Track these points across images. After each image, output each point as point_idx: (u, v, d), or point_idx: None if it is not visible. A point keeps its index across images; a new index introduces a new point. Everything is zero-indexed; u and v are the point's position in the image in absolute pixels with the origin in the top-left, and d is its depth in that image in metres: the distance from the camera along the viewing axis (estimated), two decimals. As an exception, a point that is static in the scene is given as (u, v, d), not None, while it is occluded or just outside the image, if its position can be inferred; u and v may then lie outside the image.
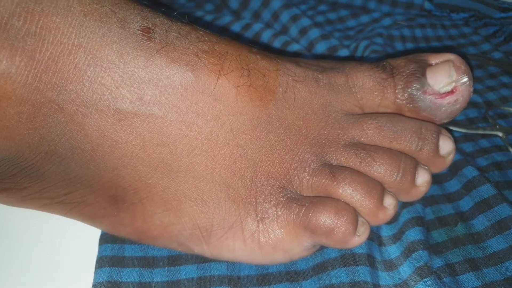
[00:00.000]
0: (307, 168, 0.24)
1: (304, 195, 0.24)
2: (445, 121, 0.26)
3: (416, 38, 0.43)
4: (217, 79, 0.22)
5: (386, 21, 0.44)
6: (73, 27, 0.20)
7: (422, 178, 0.24)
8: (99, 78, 0.21)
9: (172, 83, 0.22)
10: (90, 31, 0.21)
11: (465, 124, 0.35)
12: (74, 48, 0.20)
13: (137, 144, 0.22)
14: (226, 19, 0.41)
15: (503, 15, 0.44)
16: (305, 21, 0.40)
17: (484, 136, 0.34)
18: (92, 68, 0.21)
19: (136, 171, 0.22)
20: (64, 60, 0.20)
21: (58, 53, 0.20)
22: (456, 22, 0.45)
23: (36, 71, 0.20)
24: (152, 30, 0.22)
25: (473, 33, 0.44)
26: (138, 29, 0.21)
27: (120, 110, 0.21)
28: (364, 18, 0.45)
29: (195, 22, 0.39)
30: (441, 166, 0.25)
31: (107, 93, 0.21)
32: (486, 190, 0.28)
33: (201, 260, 0.25)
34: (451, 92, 0.25)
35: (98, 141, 0.21)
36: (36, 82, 0.20)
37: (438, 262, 0.25)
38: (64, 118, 0.21)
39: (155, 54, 0.21)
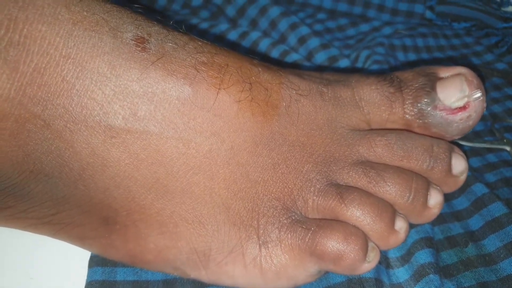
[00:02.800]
0: (312, 188, 0.22)
1: (310, 217, 0.22)
2: (457, 137, 0.25)
3: (418, 47, 0.42)
4: (217, 94, 0.21)
5: (387, 30, 0.43)
6: (61, 37, 0.19)
7: (435, 200, 0.23)
8: (89, 92, 0.19)
9: (168, 98, 0.20)
10: (79, 41, 0.19)
11: (471, 137, 0.34)
12: (62, 59, 0.19)
13: (130, 163, 0.20)
14: (222, 27, 0.40)
15: (505, 25, 0.43)
16: (304, 30, 0.39)
17: (491, 150, 0.33)
18: (81, 81, 0.19)
19: (129, 191, 0.21)
20: (51, 72, 0.19)
21: (44, 65, 0.18)
22: (457, 32, 0.44)
23: (19, 84, 0.18)
24: (147, 40, 0.20)
25: (476, 43, 0.43)
26: (131, 39, 0.20)
27: (112, 126, 0.20)
28: (364, 27, 0.44)
29: (190, 30, 0.38)
30: (454, 186, 0.24)
31: (98, 108, 0.19)
32: (497, 209, 0.27)
33: (198, 285, 0.23)
34: (464, 108, 0.24)
35: (88, 159, 0.20)
36: (19, 96, 0.18)
37: (449, 286, 0.24)
38: (51, 134, 0.19)
39: (150, 66, 0.20)
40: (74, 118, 0.19)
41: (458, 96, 0.24)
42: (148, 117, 0.20)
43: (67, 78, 0.19)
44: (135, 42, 0.20)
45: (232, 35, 0.39)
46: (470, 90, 0.23)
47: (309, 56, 0.38)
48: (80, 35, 0.19)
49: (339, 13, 0.45)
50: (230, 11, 0.42)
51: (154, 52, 0.20)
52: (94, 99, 0.19)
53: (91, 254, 0.24)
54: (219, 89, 0.21)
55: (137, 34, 0.20)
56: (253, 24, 0.41)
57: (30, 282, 0.24)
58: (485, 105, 0.24)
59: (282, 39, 0.39)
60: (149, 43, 0.20)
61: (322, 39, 0.39)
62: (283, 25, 0.40)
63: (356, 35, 0.43)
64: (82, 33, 0.19)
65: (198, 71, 0.21)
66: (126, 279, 0.24)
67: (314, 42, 0.38)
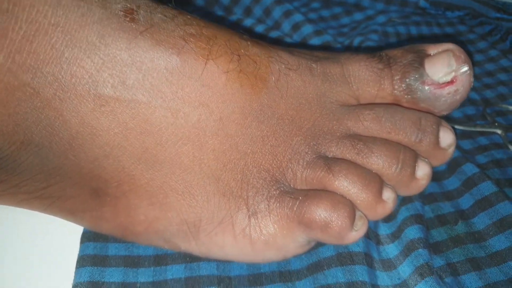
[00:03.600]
0: (301, 160, 0.22)
1: (298, 188, 0.22)
2: (445, 113, 0.25)
3: (411, 35, 0.42)
4: (205, 64, 0.21)
5: (380, 19, 0.43)
6: (50, 5, 0.19)
7: (423, 171, 0.23)
8: (78, 60, 0.19)
9: (156, 67, 0.20)
10: (68, 10, 0.19)
11: (463, 121, 0.34)
12: (51, 27, 0.19)
13: (119, 132, 0.20)
14: (216, 15, 0.40)
15: (498, 15, 0.43)
16: (297, 17, 0.39)
17: (482, 133, 0.33)
18: (70, 49, 0.19)
19: (118, 161, 0.21)
20: (40, 40, 0.19)
21: (33, 32, 0.19)
22: (451, 20, 0.45)
23: (8, 50, 0.19)
24: (136, 11, 0.20)
25: (469, 31, 0.43)
26: (120, 10, 0.20)
27: (101, 95, 0.20)
28: (358, 16, 0.44)
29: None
30: (442, 159, 0.24)
31: (87, 76, 0.19)
32: (487, 188, 0.27)
33: (189, 259, 0.24)
34: (451, 82, 0.24)
35: (77, 128, 0.20)
36: (8, 63, 0.19)
37: (438, 261, 0.24)
38: (41, 103, 0.19)
39: (139, 36, 0.20)
40: (63, 86, 0.19)
41: (445, 71, 0.24)
42: (136, 86, 0.20)
43: (56, 46, 0.19)
44: (124, 13, 0.20)
45: (226, 23, 0.39)
46: (457, 64, 0.24)
47: (303, 42, 0.38)
48: (69, 4, 0.19)
49: (333, 2, 0.45)
50: (225, -1, 0.42)
51: (143, 22, 0.20)
52: (83, 67, 0.19)
53: (83, 229, 0.25)
54: (207, 59, 0.21)
55: (126, 5, 0.20)
56: (248, 11, 0.41)
57: (24, 257, 0.24)
58: (472, 79, 0.24)
59: (276, 26, 0.40)
60: (138, 14, 0.20)
61: (316, 26, 0.39)
62: (277, 12, 0.40)
63: (350, 24, 0.43)
64: (71, 2, 0.19)
65: (186, 42, 0.21)
66: (117, 254, 0.24)
67: (307, 28, 0.38)
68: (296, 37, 0.38)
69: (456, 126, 0.33)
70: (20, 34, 0.19)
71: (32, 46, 0.19)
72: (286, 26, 0.39)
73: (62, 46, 0.19)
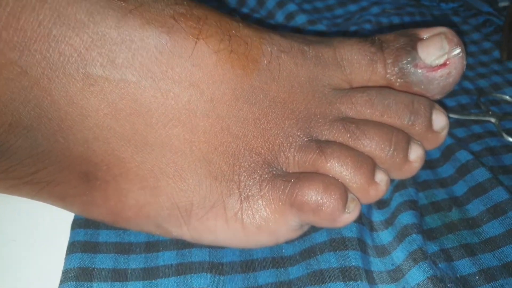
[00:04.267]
0: (293, 144, 0.22)
1: (291, 171, 0.22)
2: (438, 96, 0.25)
3: (405, 25, 0.42)
4: (195, 43, 0.21)
5: (374, 10, 0.43)
6: None
7: (415, 153, 0.23)
8: (67, 38, 0.19)
9: (146, 46, 0.20)
10: None
11: (457, 110, 0.34)
12: (38, 3, 0.19)
13: (108, 113, 0.20)
14: (211, 5, 0.40)
15: (490, 9, 0.43)
16: (291, 7, 0.39)
17: (476, 122, 0.33)
18: (58, 26, 0.19)
19: (108, 143, 0.21)
20: (27, 17, 0.18)
21: (20, 9, 0.18)
22: (445, 12, 0.45)
23: None
24: None
25: (463, 22, 0.43)
26: None
27: (90, 74, 0.19)
28: (352, 7, 0.44)
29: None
30: (435, 142, 0.24)
31: (76, 54, 0.19)
32: (481, 174, 0.27)
33: (181, 246, 0.24)
34: (444, 64, 0.24)
35: (66, 108, 0.20)
36: None
37: (432, 247, 0.24)
38: (29, 82, 0.19)
39: (128, 14, 0.20)
40: (51, 65, 0.19)
41: (438, 54, 0.24)
42: (126, 65, 0.20)
43: (44, 23, 0.19)
44: None
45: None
46: (450, 47, 0.23)
47: (297, 30, 0.38)
48: None
49: (327, -7, 0.45)
50: (218, -10, 0.42)
51: (132, 1, 0.20)
52: (72, 45, 0.19)
53: (74, 216, 0.24)
54: (197, 39, 0.21)
55: None
56: (241, 2, 0.41)
57: (12, 244, 0.23)
58: (465, 62, 0.24)
59: (270, 16, 0.39)
60: None
61: (310, 16, 0.39)
62: (270, 2, 0.40)
63: (344, 15, 0.43)
64: None
65: (176, 21, 0.21)
66: (108, 241, 0.24)
67: (301, 18, 0.38)
68: (290, 27, 0.38)
69: (451, 115, 0.33)
70: (7, 10, 0.18)
71: (19, 23, 0.18)
72: (279, 16, 0.39)
73: (50, 23, 0.19)
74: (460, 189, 0.27)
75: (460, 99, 0.35)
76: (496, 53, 0.40)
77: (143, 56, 0.20)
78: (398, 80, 0.24)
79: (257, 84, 0.22)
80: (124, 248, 0.23)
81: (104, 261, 0.23)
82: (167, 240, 0.24)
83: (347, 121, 0.23)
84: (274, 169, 0.22)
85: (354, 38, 0.25)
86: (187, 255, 0.23)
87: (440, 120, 0.24)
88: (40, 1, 0.19)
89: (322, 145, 0.22)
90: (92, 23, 0.19)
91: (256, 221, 0.21)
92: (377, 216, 0.26)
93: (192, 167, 0.21)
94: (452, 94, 0.34)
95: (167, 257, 0.23)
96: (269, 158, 0.22)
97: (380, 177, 0.22)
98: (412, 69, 0.24)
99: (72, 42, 0.19)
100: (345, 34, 0.38)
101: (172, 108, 0.21)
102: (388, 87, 0.25)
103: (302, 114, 0.23)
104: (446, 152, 0.29)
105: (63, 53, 0.19)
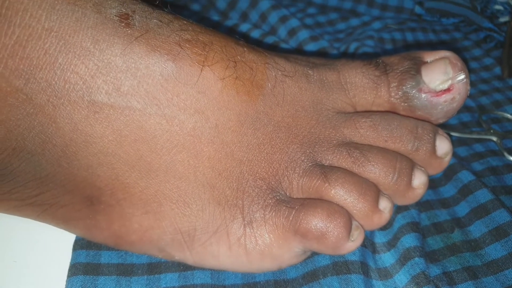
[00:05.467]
0: (297, 169, 0.22)
1: (294, 197, 0.22)
2: (441, 121, 0.25)
3: (407, 41, 0.42)
4: (201, 70, 0.21)
5: (376, 25, 0.43)
6: (43, 10, 0.19)
7: (419, 180, 0.23)
8: (72, 66, 0.19)
9: (151, 73, 0.20)
10: (62, 15, 0.19)
11: (459, 128, 0.34)
12: (44, 32, 0.19)
13: (113, 140, 0.20)
14: (213, 20, 0.40)
15: (490, 25, 0.43)
16: (294, 22, 0.39)
17: (478, 140, 0.33)
18: (64, 55, 0.19)
19: (112, 169, 0.20)
20: (33, 45, 0.18)
21: (26, 37, 0.18)
22: (446, 27, 0.45)
23: (1, 55, 0.18)
24: (131, 16, 0.20)
25: (464, 38, 0.43)
26: (115, 15, 0.20)
27: (95, 101, 0.19)
28: (354, 21, 0.44)
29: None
30: (438, 168, 0.24)
31: (81, 82, 0.19)
32: (483, 195, 0.27)
33: (183, 268, 0.23)
34: (448, 90, 0.24)
35: (71, 135, 0.20)
36: (1, 68, 0.18)
37: (435, 270, 0.24)
38: (33, 109, 0.19)
39: (134, 42, 0.20)
40: (56, 92, 0.19)
41: (442, 79, 0.24)
42: (131, 93, 0.20)
43: (50, 52, 0.19)
44: (119, 18, 0.20)
45: (223, 28, 0.39)
46: (454, 72, 0.24)
47: (299, 47, 0.38)
48: (63, 9, 0.19)
49: (329, 7, 0.45)
50: (221, 4, 0.42)
51: (138, 28, 0.20)
52: (77, 73, 0.19)
53: (76, 237, 0.24)
54: (203, 66, 0.21)
55: (121, 10, 0.20)
56: (244, 17, 0.41)
57: (14, 265, 0.23)
58: (469, 87, 0.24)
59: (273, 32, 0.39)
60: (133, 19, 0.20)
61: (312, 31, 0.39)
62: (273, 17, 0.40)
63: (346, 29, 0.43)
64: (65, 7, 0.19)
65: (182, 48, 0.21)
66: (110, 262, 0.23)
67: (304, 34, 0.38)
68: (292, 43, 0.38)
69: (452, 133, 0.33)
70: (13, 39, 0.18)
71: (25, 51, 0.18)
72: (282, 32, 0.39)
73: (55, 51, 0.19)
74: (462, 210, 0.27)
75: (461, 117, 0.35)
76: (497, 70, 0.40)
77: (149, 84, 0.20)
78: (402, 104, 0.24)
79: (262, 109, 0.22)
80: (126, 270, 0.23)
81: (106, 284, 0.22)
82: (169, 262, 0.24)
83: (351, 146, 0.23)
84: (278, 194, 0.22)
85: (358, 61, 0.25)
86: (189, 277, 0.23)
87: (443, 146, 0.24)
88: (46, 30, 0.19)
89: (326, 171, 0.22)
90: (97, 51, 0.19)
91: (259, 247, 0.21)
92: (380, 238, 0.26)
93: (196, 192, 0.21)
94: (453, 111, 0.34)
95: (169, 279, 0.23)
96: (273, 183, 0.22)
97: (384, 205, 0.22)
98: (416, 94, 0.24)
99: (77, 70, 0.19)
100: (347, 51, 0.38)
101: (177, 134, 0.21)
102: (392, 111, 0.25)
103: (306, 139, 0.23)
104: (448, 172, 0.29)
105: (68, 81, 0.19)
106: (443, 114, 0.24)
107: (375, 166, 0.22)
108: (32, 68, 0.19)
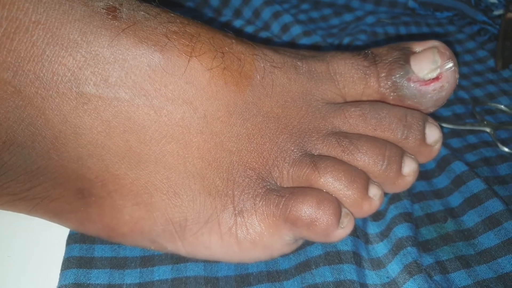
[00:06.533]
0: (287, 158, 0.22)
1: (285, 186, 0.22)
2: (431, 110, 0.25)
3: (400, 35, 0.42)
4: (188, 61, 0.21)
5: (370, 19, 0.43)
6: (30, 2, 0.19)
7: (409, 167, 0.23)
8: (60, 58, 0.19)
9: (139, 64, 0.20)
10: (49, 7, 0.19)
11: (452, 120, 0.34)
12: (32, 24, 0.19)
13: (102, 131, 0.20)
14: (206, 16, 0.40)
15: (484, 18, 0.43)
16: (286, 18, 0.39)
17: (472, 132, 0.33)
18: (51, 47, 0.19)
19: (102, 160, 0.21)
20: (20, 38, 0.19)
21: (13, 30, 0.18)
22: (440, 21, 0.45)
23: None
24: (118, 9, 0.20)
25: (458, 31, 0.43)
26: (103, 8, 0.20)
27: (83, 93, 0.20)
28: (347, 17, 0.44)
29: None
30: (428, 156, 0.24)
31: (69, 74, 0.19)
32: (476, 185, 0.27)
33: (176, 260, 0.23)
34: (437, 78, 0.24)
35: (60, 127, 0.20)
36: None
37: (427, 259, 0.24)
38: (22, 101, 0.19)
39: (121, 33, 0.20)
40: (45, 84, 0.19)
41: (430, 68, 0.24)
42: (119, 84, 0.20)
43: (37, 44, 0.19)
44: (106, 11, 0.20)
45: (216, 25, 0.39)
46: (442, 61, 0.24)
47: (292, 43, 0.38)
48: (50, 1, 0.19)
49: (323, 3, 0.45)
50: (214, 1, 0.42)
51: (125, 20, 0.20)
52: (65, 65, 0.19)
53: (70, 231, 0.24)
54: (190, 56, 0.21)
55: (109, 3, 0.20)
56: (237, 13, 0.42)
57: (8, 260, 0.23)
58: (457, 76, 0.24)
59: (266, 27, 0.40)
60: (120, 12, 0.20)
61: (305, 27, 0.39)
62: (266, 13, 0.40)
63: (339, 25, 0.44)
64: (52, 0, 0.19)
65: (169, 39, 0.21)
66: (103, 255, 0.24)
67: (296, 29, 0.38)
68: (285, 38, 0.38)
69: (446, 125, 0.33)
70: (0, 31, 0.18)
71: (12, 44, 0.19)
72: (275, 27, 0.39)
73: (43, 43, 0.19)
74: (455, 200, 0.28)
75: (455, 109, 0.35)
76: (491, 62, 0.40)
77: (136, 75, 0.20)
78: (391, 93, 0.24)
79: (251, 99, 0.22)
80: (119, 263, 0.23)
81: (99, 277, 0.23)
82: (162, 255, 0.24)
83: (340, 135, 0.23)
84: (268, 183, 0.22)
85: (347, 52, 0.26)
86: (182, 269, 0.23)
87: (433, 134, 0.24)
88: (34, 22, 0.19)
89: (315, 160, 0.22)
90: (85, 43, 0.19)
91: (251, 236, 0.21)
92: (372, 229, 0.26)
93: (186, 183, 0.21)
94: (447, 103, 0.34)
95: (162, 272, 0.23)
96: (263, 172, 0.22)
97: (374, 192, 0.22)
98: (405, 83, 0.24)
99: (65, 61, 0.19)
100: (340, 46, 0.38)
101: (166, 125, 0.21)
102: (381, 101, 0.25)
103: (296, 129, 0.23)
104: (441, 163, 0.29)
105: (56, 73, 0.19)
106: (432, 103, 0.24)
107: (364, 154, 0.22)
108: (20, 61, 0.19)
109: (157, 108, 0.20)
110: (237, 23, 0.39)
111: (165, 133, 0.21)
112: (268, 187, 0.22)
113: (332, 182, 0.22)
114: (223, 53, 0.22)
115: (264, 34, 0.38)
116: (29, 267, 0.23)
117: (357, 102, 0.24)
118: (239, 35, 0.38)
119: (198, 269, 0.23)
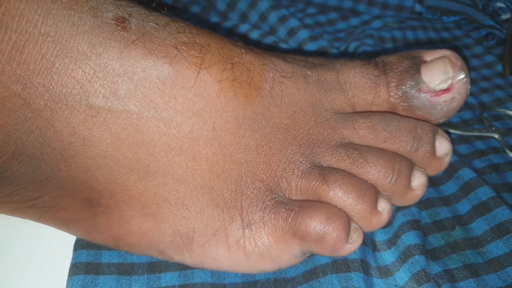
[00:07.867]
0: (295, 170, 0.22)
1: (293, 198, 0.22)
2: (441, 120, 0.25)
3: (407, 40, 0.42)
4: (198, 73, 0.21)
5: (377, 23, 0.43)
6: (39, 15, 0.19)
7: (418, 181, 0.23)
8: (69, 71, 0.19)
9: (148, 76, 0.20)
10: (58, 19, 0.19)
11: (460, 126, 0.34)
12: (41, 37, 0.19)
13: (111, 143, 0.20)
14: (212, 21, 0.40)
15: (492, 23, 0.43)
16: (293, 22, 0.39)
17: (479, 138, 0.33)
18: (61, 59, 0.19)
19: (111, 172, 0.21)
20: (30, 50, 0.19)
21: (23, 43, 0.18)
22: (447, 25, 0.45)
23: None
24: (128, 20, 0.20)
25: (465, 35, 0.43)
26: (112, 19, 0.20)
27: (93, 105, 0.20)
28: (354, 21, 0.44)
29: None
30: (438, 168, 0.24)
31: (78, 87, 0.19)
32: (484, 193, 0.27)
33: (183, 267, 0.24)
34: (448, 89, 0.24)
35: (69, 139, 0.20)
36: None
37: (436, 268, 0.24)
38: (32, 114, 0.19)
39: (130, 45, 0.20)
40: (54, 97, 0.19)
41: (442, 79, 0.24)
42: (128, 96, 0.20)
43: (47, 56, 0.19)
44: (115, 22, 0.20)
45: (222, 29, 0.39)
46: (453, 72, 0.23)
47: (299, 47, 0.38)
48: (59, 13, 0.19)
49: (329, 7, 0.45)
50: (220, 5, 0.42)
51: (134, 31, 0.20)
52: (74, 77, 0.19)
53: (77, 237, 0.24)
54: (200, 68, 0.21)
55: (118, 13, 0.20)
56: (244, 17, 0.41)
57: (15, 265, 0.24)
58: (469, 87, 0.24)
59: (272, 32, 0.39)
60: (129, 22, 0.20)
61: (312, 31, 0.39)
62: (272, 18, 0.40)
63: (346, 29, 0.43)
64: (61, 11, 0.19)
65: (178, 51, 0.21)
66: (111, 261, 0.24)
67: (303, 34, 0.38)
68: (292, 43, 0.38)
69: (453, 131, 0.33)
70: (10, 44, 0.18)
71: (22, 57, 0.19)
72: (282, 32, 0.39)
73: (52, 56, 0.19)
74: (463, 207, 0.27)
75: (463, 114, 0.35)
76: (499, 67, 0.40)
77: (146, 87, 0.20)
78: (401, 103, 0.24)
79: (260, 110, 0.22)
80: (126, 269, 0.23)
81: (106, 283, 0.23)
82: (169, 261, 0.24)
83: (349, 147, 0.23)
84: (277, 195, 0.22)
85: (357, 61, 0.25)
86: (190, 276, 0.23)
87: (443, 146, 0.24)
88: (43, 35, 0.19)
89: (324, 173, 0.22)
90: (94, 55, 0.19)
91: (259, 249, 0.21)
92: (380, 236, 0.26)
93: (194, 195, 0.21)
94: (454, 109, 0.33)
95: (169, 278, 0.23)
96: (271, 184, 0.22)
97: (383, 206, 0.22)
98: (416, 93, 0.24)
99: (74, 74, 0.19)
100: (347, 51, 0.38)
101: (175, 137, 0.21)
102: (391, 111, 0.25)
103: (305, 140, 0.23)
104: (449, 170, 0.29)
105: (65, 85, 0.19)
106: (442, 114, 0.24)
107: (373, 167, 0.22)
108: (29, 73, 0.19)
109: (166, 120, 0.20)
110: (243, 27, 0.39)
111: (174, 145, 0.21)
112: (276, 199, 0.22)
113: (341, 196, 0.21)
114: (232, 64, 0.22)
115: (270, 39, 0.38)
116: (36, 272, 0.23)
117: (366, 113, 0.24)
118: (246, 40, 0.38)
119: (205, 276, 0.23)
